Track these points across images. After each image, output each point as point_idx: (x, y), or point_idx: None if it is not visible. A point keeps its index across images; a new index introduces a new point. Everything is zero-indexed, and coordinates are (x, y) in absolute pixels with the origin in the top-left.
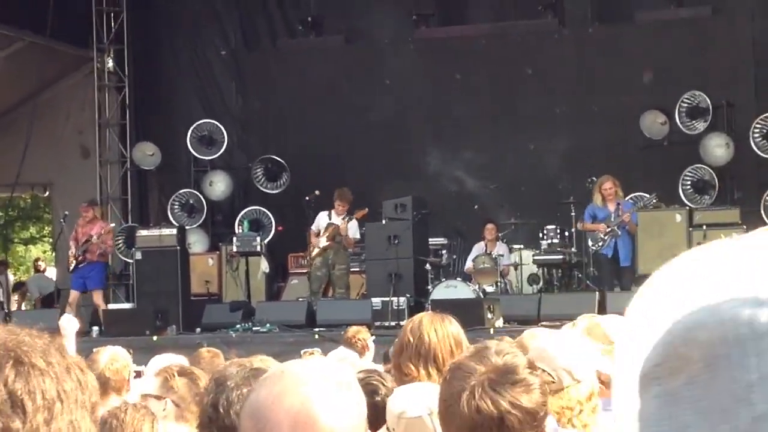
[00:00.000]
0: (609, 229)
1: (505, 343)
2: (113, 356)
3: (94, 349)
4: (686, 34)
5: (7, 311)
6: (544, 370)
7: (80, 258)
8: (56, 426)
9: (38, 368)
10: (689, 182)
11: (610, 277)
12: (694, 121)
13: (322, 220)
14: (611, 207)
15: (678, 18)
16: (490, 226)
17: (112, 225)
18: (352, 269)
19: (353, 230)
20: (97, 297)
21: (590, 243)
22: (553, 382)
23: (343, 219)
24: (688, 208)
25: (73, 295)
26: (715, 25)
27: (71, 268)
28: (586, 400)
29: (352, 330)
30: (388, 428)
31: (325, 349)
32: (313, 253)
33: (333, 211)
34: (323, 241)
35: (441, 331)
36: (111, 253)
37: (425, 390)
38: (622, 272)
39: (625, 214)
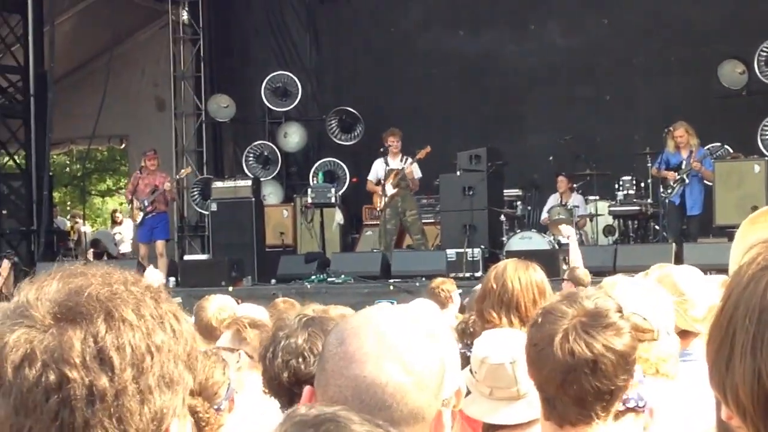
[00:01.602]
0: (678, 176)
1: (595, 288)
2: (222, 306)
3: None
4: None
5: (85, 262)
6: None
7: (149, 209)
8: (144, 381)
9: (129, 322)
10: None
11: (676, 224)
12: None
13: (379, 167)
14: (684, 154)
15: None
16: (561, 178)
17: (186, 171)
18: (426, 221)
19: (416, 171)
20: (160, 246)
21: (661, 191)
22: (651, 331)
23: (402, 161)
24: (766, 158)
25: (143, 248)
26: None
27: (139, 220)
28: (672, 354)
29: (437, 281)
30: (471, 370)
31: (401, 299)
32: (381, 204)
33: (388, 157)
34: (389, 189)
35: (524, 279)
36: (177, 203)
37: (511, 337)
38: (689, 221)
39: (694, 161)
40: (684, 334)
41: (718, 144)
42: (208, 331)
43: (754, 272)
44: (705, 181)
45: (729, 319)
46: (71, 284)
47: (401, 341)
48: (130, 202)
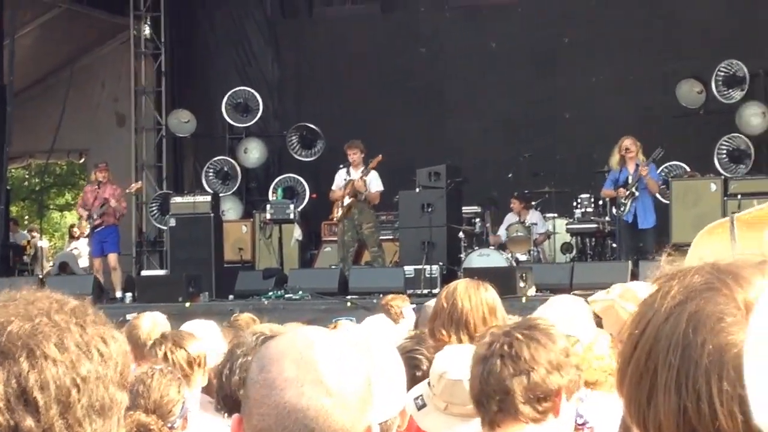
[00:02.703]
0: (627, 191)
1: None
2: (154, 323)
3: (129, 316)
4: (724, 2)
5: (42, 276)
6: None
7: (98, 222)
8: (72, 415)
9: (51, 358)
10: (725, 151)
11: (630, 243)
12: (730, 90)
13: (339, 178)
14: (630, 168)
15: None
16: (514, 200)
17: (136, 186)
18: (385, 237)
19: (374, 183)
20: (112, 259)
21: (614, 211)
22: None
23: (362, 171)
24: (723, 177)
25: (96, 261)
26: None
27: (86, 233)
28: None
29: (389, 297)
30: (429, 384)
31: (358, 316)
32: (338, 215)
33: (350, 167)
34: (346, 200)
35: (475, 298)
36: (124, 216)
37: (470, 354)
38: (643, 235)
39: (642, 168)
40: None
41: (659, 149)
42: (141, 350)
43: (672, 306)
44: (654, 194)
45: (648, 353)
46: None
47: (320, 363)
48: (81, 216)
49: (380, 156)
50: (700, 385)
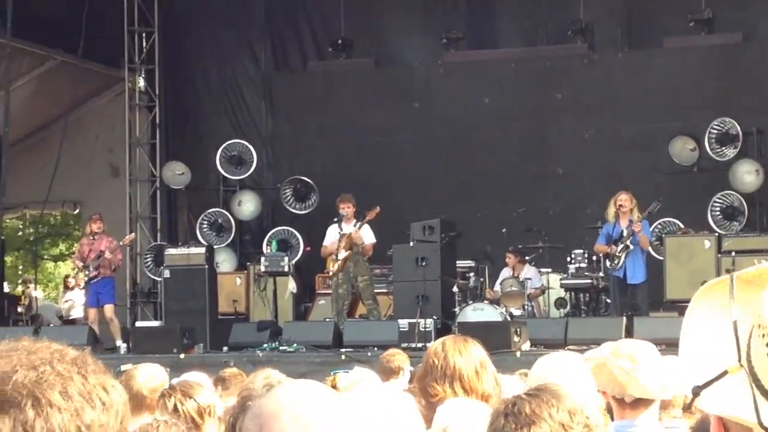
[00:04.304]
0: (621, 245)
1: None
2: (151, 375)
3: (122, 367)
4: (716, 61)
5: (37, 327)
6: None
7: (94, 274)
8: None
9: (56, 406)
10: (718, 208)
11: (621, 300)
12: (723, 148)
13: (332, 233)
14: (623, 223)
15: (708, 44)
16: (509, 254)
17: (129, 238)
18: (380, 290)
19: (368, 236)
20: (109, 310)
21: (608, 264)
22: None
23: (354, 226)
24: (717, 234)
25: (92, 312)
26: (746, 51)
27: (82, 285)
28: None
29: (390, 351)
30: None
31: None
32: (334, 268)
33: (342, 222)
34: (342, 253)
35: (465, 352)
36: (119, 268)
37: (474, 409)
38: (634, 291)
39: (636, 224)
40: (636, 404)
41: (656, 202)
42: (138, 401)
43: None
44: (646, 250)
45: None
46: None
47: (317, 420)
48: (77, 268)
49: (378, 208)
50: None
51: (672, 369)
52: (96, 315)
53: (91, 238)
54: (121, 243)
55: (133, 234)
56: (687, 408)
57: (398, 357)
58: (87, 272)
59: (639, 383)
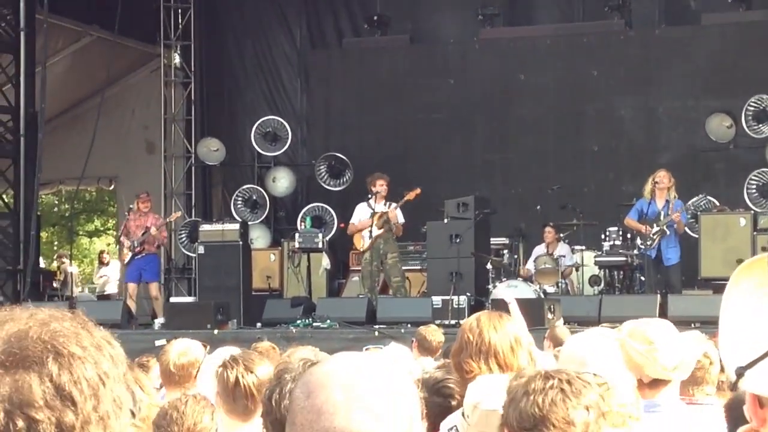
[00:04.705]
0: (658, 228)
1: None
2: (183, 351)
3: (158, 342)
4: (754, 37)
5: (73, 299)
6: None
7: (138, 249)
8: (103, 408)
9: (77, 356)
10: (754, 186)
11: (654, 277)
12: (760, 125)
13: (362, 211)
14: (659, 203)
15: (746, 20)
16: (548, 229)
17: (176, 215)
18: (413, 268)
19: (400, 216)
20: (154, 288)
21: (639, 242)
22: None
23: (386, 206)
24: (752, 212)
25: (132, 287)
26: None
27: (127, 260)
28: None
29: (424, 327)
30: (463, 414)
31: (386, 345)
32: (365, 245)
33: (372, 200)
34: (375, 230)
35: (500, 329)
36: (165, 246)
37: (504, 385)
38: (668, 271)
39: (675, 213)
40: (654, 383)
41: (702, 195)
42: (167, 376)
43: None
44: (679, 233)
45: None
46: (5, 331)
47: (369, 390)
48: (119, 243)
49: (418, 189)
50: None
51: (689, 348)
52: (135, 289)
53: (138, 215)
54: (167, 219)
55: (180, 212)
56: (733, 388)
57: (436, 333)
58: (132, 247)
59: (655, 365)
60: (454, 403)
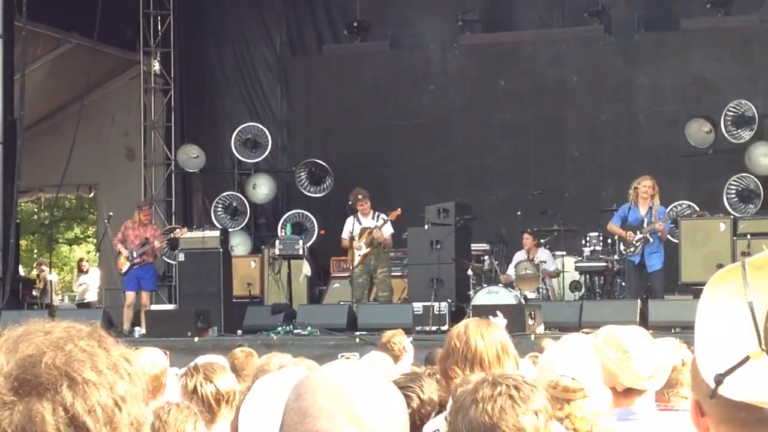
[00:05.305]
0: (641, 235)
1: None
2: (152, 361)
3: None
4: (733, 43)
5: (53, 307)
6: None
7: (137, 260)
8: None
9: (92, 383)
10: (734, 191)
11: (637, 284)
12: (739, 130)
13: (351, 226)
14: (642, 210)
15: (725, 26)
16: (526, 235)
17: (182, 231)
18: (393, 274)
19: (387, 228)
20: (146, 298)
21: (622, 248)
22: (581, 389)
23: (374, 218)
24: (732, 217)
25: (130, 296)
26: (762, 34)
27: (124, 270)
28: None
29: (388, 334)
30: (446, 419)
31: (365, 352)
32: (355, 262)
33: (359, 215)
34: (363, 248)
35: (487, 337)
36: (161, 257)
37: None
38: (651, 278)
39: (657, 222)
40: (628, 392)
41: (686, 204)
42: None
43: None
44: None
45: None
46: (19, 354)
47: (353, 397)
48: (120, 252)
49: (399, 210)
50: None
51: (664, 356)
52: (133, 299)
53: (137, 225)
54: (172, 235)
55: (185, 228)
56: (712, 396)
57: (398, 337)
58: (130, 257)
59: (629, 373)
60: (408, 410)
